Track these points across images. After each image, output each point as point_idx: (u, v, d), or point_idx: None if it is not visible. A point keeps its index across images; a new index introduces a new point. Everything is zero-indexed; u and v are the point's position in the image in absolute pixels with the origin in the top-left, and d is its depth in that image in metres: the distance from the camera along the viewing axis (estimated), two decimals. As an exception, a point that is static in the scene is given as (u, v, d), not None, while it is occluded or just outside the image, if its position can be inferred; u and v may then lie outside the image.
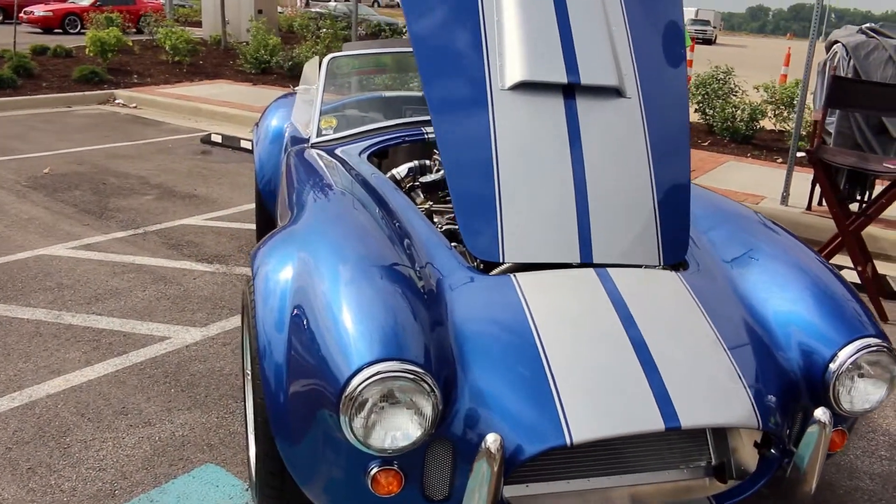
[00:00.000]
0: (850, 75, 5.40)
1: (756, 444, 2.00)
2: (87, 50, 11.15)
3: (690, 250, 2.34)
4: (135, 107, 9.46)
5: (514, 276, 2.06)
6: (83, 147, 7.14)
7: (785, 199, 5.94)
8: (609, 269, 2.12)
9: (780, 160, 7.44)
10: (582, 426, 1.70)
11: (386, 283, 1.91)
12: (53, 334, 3.35)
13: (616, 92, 2.34)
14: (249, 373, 2.34)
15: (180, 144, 7.53)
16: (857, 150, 5.45)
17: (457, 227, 2.56)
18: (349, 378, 1.63)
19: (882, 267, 4.54)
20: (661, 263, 2.25)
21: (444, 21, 2.33)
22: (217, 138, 7.52)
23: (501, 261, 2.13)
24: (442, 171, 2.94)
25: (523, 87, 2.26)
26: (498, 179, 2.18)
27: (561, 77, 2.27)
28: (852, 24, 5.97)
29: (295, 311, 1.89)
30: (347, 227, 2.23)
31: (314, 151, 3.19)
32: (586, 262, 2.17)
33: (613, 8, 2.44)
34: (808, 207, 5.87)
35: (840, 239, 4.25)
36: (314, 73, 3.56)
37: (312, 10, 24.77)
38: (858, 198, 5.46)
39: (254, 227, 4.96)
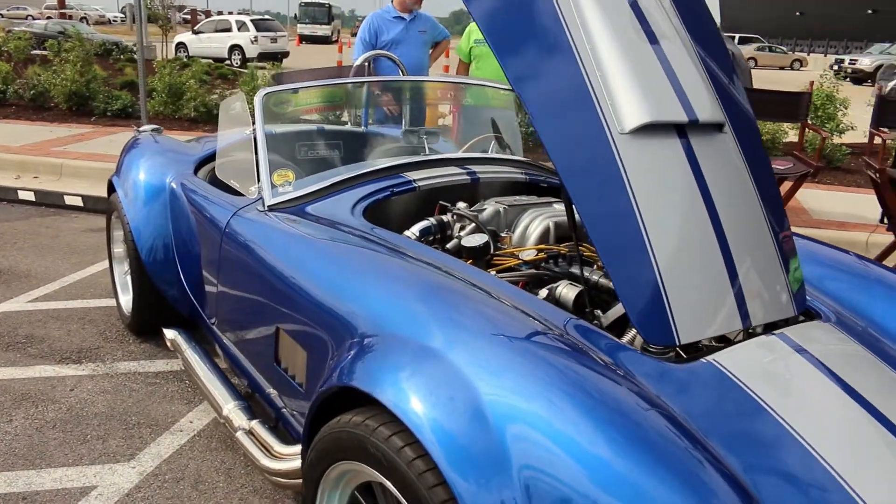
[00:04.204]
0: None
1: None
2: None
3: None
4: None
5: (715, 360, 1.71)
6: None
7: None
8: (786, 332, 1.87)
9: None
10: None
11: (620, 403, 1.47)
12: None
13: (717, 128, 2.06)
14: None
15: (-72, 203, 5.92)
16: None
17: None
18: None
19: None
20: (795, 313, 2.03)
21: (543, 68, 1.92)
22: (-19, 191, 6.02)
23: (678, 344, 1.76)
24: (468, 228, 2.46)
25: (642, 130, 1.89)
26: (652, 250, 1.79)
27: (681, 115, 1.93)
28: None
29: (528, 477, 1.36)
30: (492, 321, 1.71)
31: (275, 216, 2.51)
32: (745, 328, 1.89)
33: (685, 38, 2.16)
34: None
35: None
36: (242, 115, 2.82)
37: (18, 28, 21.68)
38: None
39: (105, 302, 3.96)
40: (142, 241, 3.26)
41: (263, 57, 21.03)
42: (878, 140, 4.89)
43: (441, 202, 2.59)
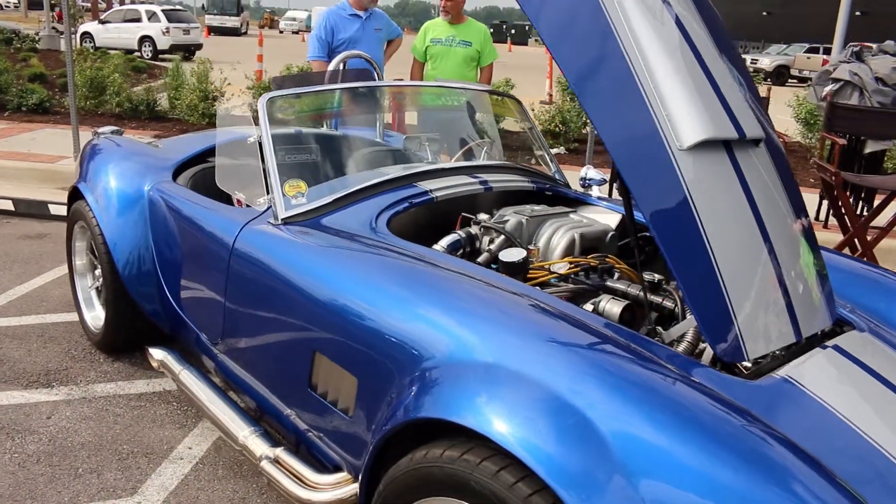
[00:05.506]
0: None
1: None
2: None
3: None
4: None
5: (788, 376, 1.73)
6: None
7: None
8: (839, 344, 1.92)
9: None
10: None
11: (725, 417, 1.48)
12: None
13: (755, 143, 2.09)
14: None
15: None
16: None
17: None
18: None
19: None
20: (831, 323, 2.08)
21: (605, 83, 1.92)
22: None
23: (747, 360, 1.78)
24: (497, 241, 2.41)
25: (697, 146, 1.90)
26: (717, 266, 1.80)
27: (731, 132, 1.95)
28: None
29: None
30: (567, 335, 1.70)
31: (290, 230, 2.38)
32: (798, 340, 1.93)
33: (719, 54, 2.18)
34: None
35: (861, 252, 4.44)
36: (243, 121, 2.66)
37: None
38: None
39: (63, 317, 3.69)
40: (118, 254, 3.06)
41: (176, 49, 20.19)
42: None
43: (464, 214, 2.53)
